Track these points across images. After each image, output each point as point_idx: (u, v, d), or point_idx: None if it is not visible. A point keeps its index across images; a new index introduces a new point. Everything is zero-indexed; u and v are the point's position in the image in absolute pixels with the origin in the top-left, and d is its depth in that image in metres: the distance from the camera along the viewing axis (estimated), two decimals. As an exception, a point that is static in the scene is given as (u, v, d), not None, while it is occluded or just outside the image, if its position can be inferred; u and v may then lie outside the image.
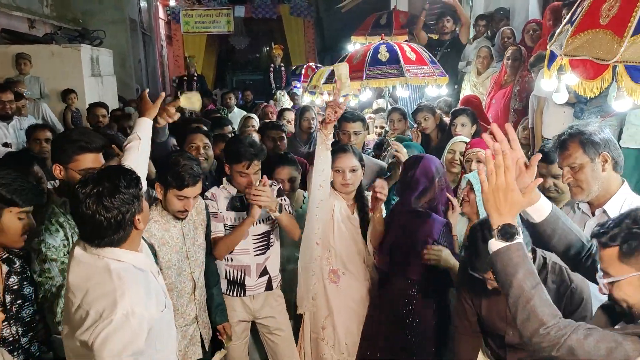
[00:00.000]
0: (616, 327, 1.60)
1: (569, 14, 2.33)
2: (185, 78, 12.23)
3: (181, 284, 2.78)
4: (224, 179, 3.12)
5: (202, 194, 2.92)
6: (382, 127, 5.48)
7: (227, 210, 3.05)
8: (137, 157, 2.47)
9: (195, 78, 12.03)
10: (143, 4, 13.24)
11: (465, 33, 6.72)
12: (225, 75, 19.06)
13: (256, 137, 4.45)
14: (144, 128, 2.55)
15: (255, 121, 5.56)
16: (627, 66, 1.99)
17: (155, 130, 2.69)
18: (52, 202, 2.41)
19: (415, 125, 4.79)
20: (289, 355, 3.17)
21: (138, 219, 1.84)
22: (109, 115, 6.34)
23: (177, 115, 2.79)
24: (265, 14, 16.55)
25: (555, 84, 2.35)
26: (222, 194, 3.08)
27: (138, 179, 1.87)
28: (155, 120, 2.64)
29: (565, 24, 2.25)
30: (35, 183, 2.57)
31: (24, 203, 2.08)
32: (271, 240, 3.14)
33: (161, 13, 15.84)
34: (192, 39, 16.22)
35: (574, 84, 2.29)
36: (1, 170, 2.10)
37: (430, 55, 4.92)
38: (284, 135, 4.46)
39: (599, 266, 1.59)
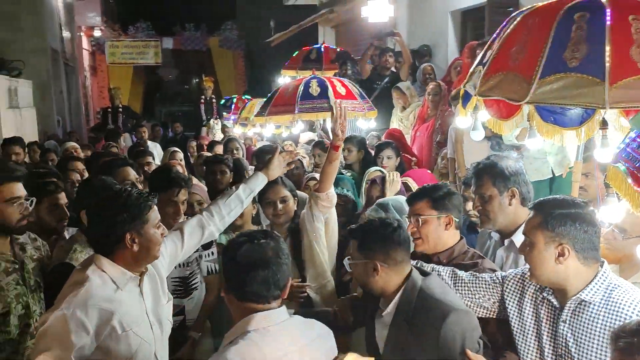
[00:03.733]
0: None
1: (480, 56, 2.49)
2: (109, 110, 11.90)
3: None
4: None
5: None
6: (303, 157, 5.46)
7: None
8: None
9: (120, 110, 11.73)
10: (66, 34, 12.82)
11: (405, 70, 6.99)
12: (153, 107, 18.70)
13: (180, 169, 4.38)
14: (258, 184, 2.59)
15: (181, 155, 5.47)
16: (537, 106, 2.16)
17: None
18: None
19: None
20: None
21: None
22: (25, 150, 6.02)
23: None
24: (195, 45, 16.51)
25: (470, 122, 2.50)
26: None
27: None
28: None
29: (477, 65, 2.40)
30: None
31: None
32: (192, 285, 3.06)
33: (85, 43, 15.40)
34: (117, 70, 15.85)
35: (488, 122, 2.45)
36: None
37: (360, 90, 5.07)
38: (226, 169, 4.36)
39: None
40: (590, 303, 1.81)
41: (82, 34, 14.94)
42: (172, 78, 18.58)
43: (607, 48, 1.94)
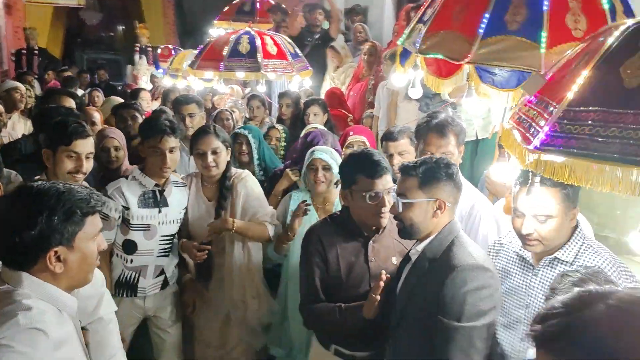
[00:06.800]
0: None
1: (420, 13, 2.47)
2: (24, 51, 11.04)
3: None
4: (136, 168, 2.83)
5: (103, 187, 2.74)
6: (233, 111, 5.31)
7: (138, 207, 2.77)
8: None
9: (36, 51, 10.91)
10: (-26, -35, 11.64)
11: (335, 27, 6.85)
12: (73, 52, 17.53)
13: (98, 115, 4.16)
14: None
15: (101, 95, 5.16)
16: (476, 67, 2.18)
17: None
18: None
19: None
20: (172, 353, 3.00)
21: None
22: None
23: None
24: (121, -11, 15.50)
25: (407, 80, 2.49)
26: (131, 187, 2.77)
27: None
28: None
29: (417, 23, 2.38)
30: None
31: None
32: (175, 241, 2.97)
33: (-3, -23, 14.07)
34: (35, 9, 14.60)
35: (426, 80, 2.46)
36: None
37: (295, 47, 4.91)
38: (137, 114, 4.18)
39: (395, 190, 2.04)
40: None
41: (-7, -34, 13.62)
42: (96, 23, 17.43)
43: (545, 13, 1.98)
